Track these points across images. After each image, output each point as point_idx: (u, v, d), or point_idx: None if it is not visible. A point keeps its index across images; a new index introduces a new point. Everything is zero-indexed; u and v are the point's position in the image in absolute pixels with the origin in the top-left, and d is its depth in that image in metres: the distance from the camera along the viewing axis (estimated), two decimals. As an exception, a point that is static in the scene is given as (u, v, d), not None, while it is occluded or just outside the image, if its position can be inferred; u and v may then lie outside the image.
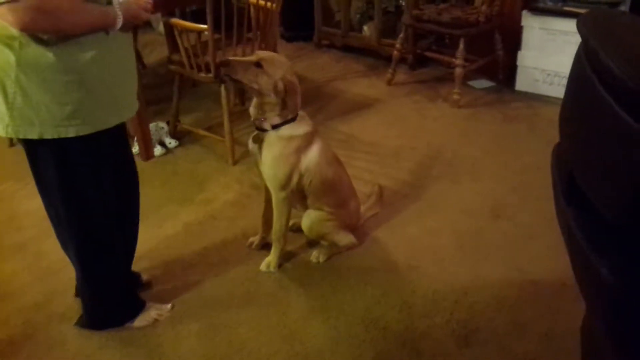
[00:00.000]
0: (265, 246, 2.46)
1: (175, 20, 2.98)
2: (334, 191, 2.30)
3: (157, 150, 3.29)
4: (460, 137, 3.37)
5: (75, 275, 2.01)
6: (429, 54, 4.26)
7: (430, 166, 3.07)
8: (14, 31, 1.45)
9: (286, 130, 2.13)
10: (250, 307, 2.16)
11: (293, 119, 2.14)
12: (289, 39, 5.13)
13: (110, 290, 2.02)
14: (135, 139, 3.24)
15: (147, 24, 5.53)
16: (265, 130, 2.14)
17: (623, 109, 0.94)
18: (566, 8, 3.52)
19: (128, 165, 2.01)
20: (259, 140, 2.17)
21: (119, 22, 1.60)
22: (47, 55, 1.50)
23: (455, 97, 3.71)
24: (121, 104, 1.74)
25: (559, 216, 1.30)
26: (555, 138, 1.35)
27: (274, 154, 2.14)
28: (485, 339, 1.98)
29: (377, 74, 4.36)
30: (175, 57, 3.20)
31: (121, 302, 2.07)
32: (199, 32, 2.93)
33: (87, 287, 1.99)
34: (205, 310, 2.16)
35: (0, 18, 1.41)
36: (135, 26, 1.79)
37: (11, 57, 1.49)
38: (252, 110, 2.16)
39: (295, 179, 2.18)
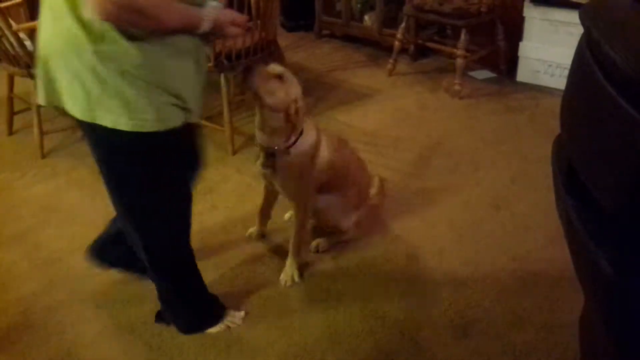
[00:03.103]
0: (264, 237, 2.46)
1: (175, 9, 2.95)
2: (345, 175, 2.25)
3: (157, 139, 3.28)
4: (460, 128, 3.36)
5: (158, 289, 1.96)
6: (430, 44, 4.24)
7: (430, 157, 3.07)
8: (99, 19, 1.38)
9: (301, 146, 2.03)
10: (249, 297, 2.16)
11: (301, 132, 2.04)
12: (289, 29, 5.10)
13: (199, 295, 2.01)
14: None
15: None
16: (274, 155, 2.02)
17: (625, 100, 0.93)
18: (568, -2, 3.50)
19: (196, 166, 1.98)
20: (270, 165, 2.05)
21: (204, 26, 1.50)
22: (129, 49, 1.43)
23: (457, 87, 3.69)
24: (191, 106, 1.64)
25: (558, 207, 1.29)
26: (556, 129, 1.35)
27: (297, 173, 2.06)
28: (484, 330, 1.98)
29: (378, 64, 4.33)
30: (174, 46, 3.18)
31: (208, 306, 2.05)
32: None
33: (175, 296, 1.97)
34: (204, 300, 2.16)
35: (86, 3, 1.33)
36: (215, 38, 1.69)
37: (88, 47, 1.43)
38: (259, 135, 2.03)
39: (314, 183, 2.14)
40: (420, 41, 4.27)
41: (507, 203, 2.66)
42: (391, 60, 4.07)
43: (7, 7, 3.01)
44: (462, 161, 3.02)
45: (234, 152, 3.15)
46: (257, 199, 2.47)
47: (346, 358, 1.91)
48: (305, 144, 2.04)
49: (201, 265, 2.33)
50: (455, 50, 3.69)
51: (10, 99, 3.37)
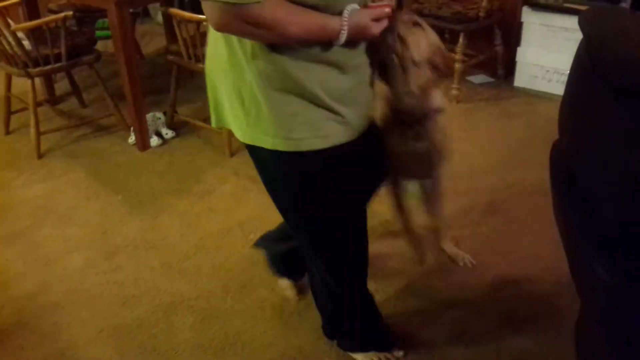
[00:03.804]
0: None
1: (174, 10, 2.95)
2: None
3: (154, 140, 3.28)
4: (457, 133, 3.36)
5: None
6: (428, 48, 4.24)
7: (428, 161, 3.06)
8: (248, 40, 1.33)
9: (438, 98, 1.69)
10: (246, 299, 2.16)
11: None
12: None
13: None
14: (132, 129, 3.23)
15: (146, 14, 5.50)
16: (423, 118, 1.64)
17: (624, 106, 0.93)
18: (567, 4, 3.50)
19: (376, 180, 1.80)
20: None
21: (342, 37, 1.31)
22: (277, 63, 1.34)
23: (454, 92, 3.70)
24: (350, 120, 1.48)
25: (556, 213, 1.30)
26: (553, 135, 1.35)
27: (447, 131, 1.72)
28: (480, 335, 1.98)
29: (375, 67, 4.33)
30: (173, 47, 3.18)
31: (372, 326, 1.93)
32: (198, 23, 2.91)
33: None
34: (201, 302, 2.16)
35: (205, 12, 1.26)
36: (368, 41, 1.44)
37: (245, 65, 1.37)
38: (408, 101, 1.58)
39: None
40: (418, 45, 4.28)
41: (503, 208, 2.66)
42: (389, 64, 4.07)
43: (5, 7, 3.01)
44: (458, 165, 3.01)
45: (231, 154, 3.15)
46: (254, 200, 2.47)
47: (342, 361, 1.91)
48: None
49: (197, 267, 2.33)
50: (453, 54, 3.69)
51: (8, 99, 3.37)
